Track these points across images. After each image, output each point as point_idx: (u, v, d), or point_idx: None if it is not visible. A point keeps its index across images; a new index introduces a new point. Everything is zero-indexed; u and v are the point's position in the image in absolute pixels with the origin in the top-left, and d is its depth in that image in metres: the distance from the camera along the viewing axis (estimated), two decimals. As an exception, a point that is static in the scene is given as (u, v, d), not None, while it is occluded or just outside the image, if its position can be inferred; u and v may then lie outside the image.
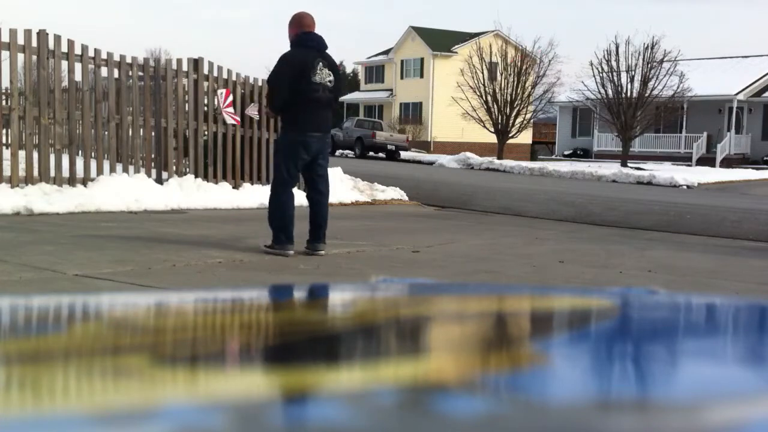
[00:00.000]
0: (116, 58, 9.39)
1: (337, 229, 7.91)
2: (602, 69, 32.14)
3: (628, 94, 31.32)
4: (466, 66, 34.53)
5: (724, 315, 1.16)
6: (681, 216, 11.78)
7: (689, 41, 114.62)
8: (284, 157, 6.03)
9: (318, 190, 6.16)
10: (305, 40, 6.02)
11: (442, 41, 45.45)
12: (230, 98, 10.47)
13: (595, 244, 7.95)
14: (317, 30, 6.15)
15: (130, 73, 9.63)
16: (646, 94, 31.46)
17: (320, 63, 5.98)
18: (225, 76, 10.56)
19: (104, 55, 9.28)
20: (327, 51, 6.11)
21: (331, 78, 6.05)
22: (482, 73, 34.45)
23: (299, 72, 5.90)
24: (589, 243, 8.08)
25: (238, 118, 10.52)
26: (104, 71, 9.65)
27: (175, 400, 0.53)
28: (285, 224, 5.97)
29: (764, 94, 36.54)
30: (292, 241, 5.99)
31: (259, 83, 10.88)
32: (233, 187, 10.32)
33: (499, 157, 31.18)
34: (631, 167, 27.75)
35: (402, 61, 47.34)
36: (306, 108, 5.96)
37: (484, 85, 34.37)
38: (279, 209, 5.98)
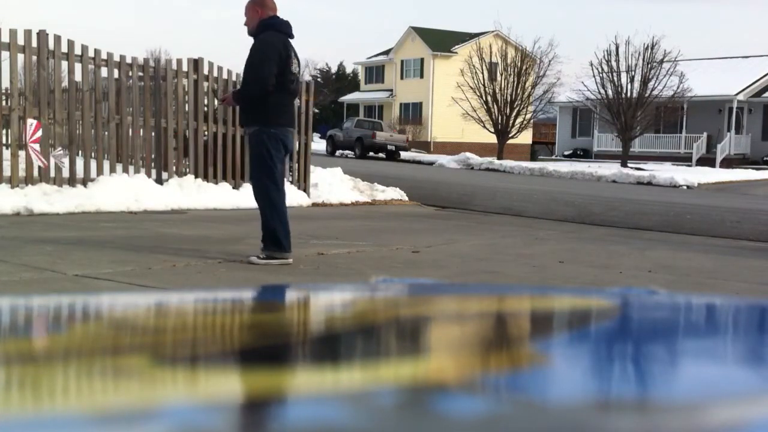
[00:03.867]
0: (116, 58, 9.39)
1: (337, 229, 7.92)
2: (602, 69, 32.18)
3: (628, 94, 31.36)
4: (466, 66, 34.59)
5: (724, 315, 1.16)
6: (681, 216, 11.78)
7: (689, 41, 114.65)
8: (274, 153, 5.51)
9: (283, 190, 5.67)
10: (280, 24, 5.58)
11: (442, 41, 45.48)
12: (39, 133, 8.40)
13: (596, 245, 7.95)
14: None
15: (130, 74, 9.63)
16: (646, 95, 31.49)
17: (293, 52, 5.61)
18: (225, 76, 10.56)
19: (104, 56, 9.29)
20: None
21: (299, 69, 5.71)
22: (482, 73, 34.51)
23: (283, 60, 5.49)
24: (590, 243, 8.08)
25: (44, 161, 8.40)
26: (104, 71, 9.66)
27: (175, 400, 0.53)
28: (287, 230, 5.55)
29: (764, 94, 36.54)
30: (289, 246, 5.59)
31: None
32: (233, 188, 10.32)
33: (499, 158, 31.21)
34: (631, 167, 27.76)
35: (402, 62, 47.37)
36: (285, 101, 5.57)
37: (484, 85, 34.42)
38: (278, 211, 5.52)
